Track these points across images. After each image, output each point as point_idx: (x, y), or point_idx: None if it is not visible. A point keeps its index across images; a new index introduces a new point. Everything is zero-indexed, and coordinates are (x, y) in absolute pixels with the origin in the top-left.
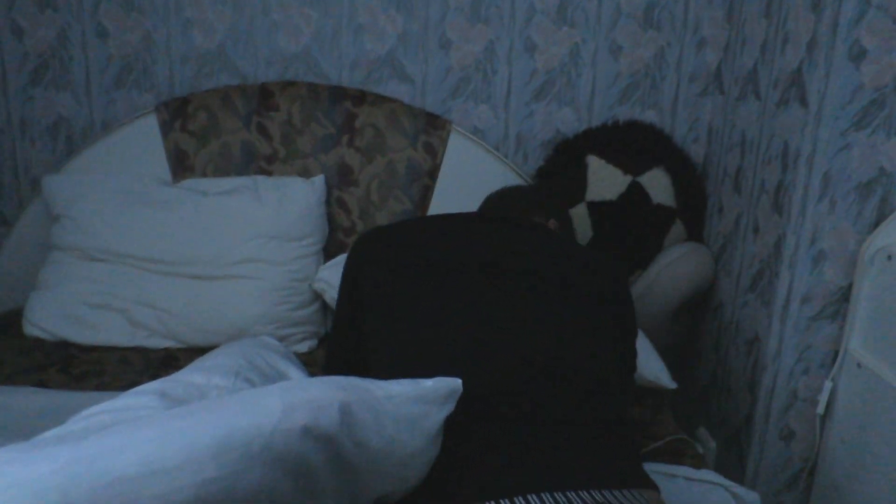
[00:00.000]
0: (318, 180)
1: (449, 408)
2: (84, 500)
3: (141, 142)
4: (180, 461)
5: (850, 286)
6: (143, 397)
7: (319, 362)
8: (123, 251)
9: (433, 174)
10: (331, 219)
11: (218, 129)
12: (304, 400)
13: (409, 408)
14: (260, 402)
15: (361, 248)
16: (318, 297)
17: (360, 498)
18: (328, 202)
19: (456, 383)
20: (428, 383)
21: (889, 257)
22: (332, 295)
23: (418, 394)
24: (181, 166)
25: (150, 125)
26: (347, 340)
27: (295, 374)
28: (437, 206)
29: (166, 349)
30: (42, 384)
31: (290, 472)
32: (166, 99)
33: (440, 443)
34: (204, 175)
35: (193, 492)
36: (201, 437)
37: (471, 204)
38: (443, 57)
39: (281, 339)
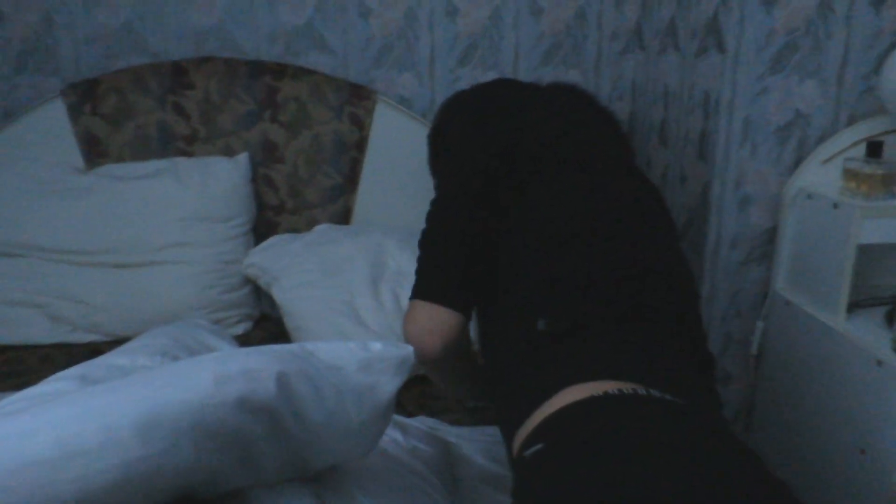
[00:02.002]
0: (242, 158)
1: (401, 379)
2: None
3: (49, 128)
4: (101, 441)
5: (774, 228)
6: (61, 383)
7: (255, 344)
8: (38, 244)
9: (361, 146)
10: (258, 197)
11: (131, 110)
12: (237, 371)
13: (355, 379)
14: (190, 375)
15: (495, 134)
16: (250, 279)
17: (306, 469)
18: (254, 180)
19: (407, 351)
20: (376, 346)
21: (809, 196)
22: (265, 280)
23: (366, 361)
24: (94, 152)
25: (57, 110)
26: (471, 234)
27: (228, 349)
28: (367, 179)
29: (91, 343)
30: None
31: (225, 447)
32: (73, 81)
33: (391, 416)
34: (120, 160)
35: (118, 473)
36: (124, 415)
37: (403, 175)
38: (363, 25)
39: (214, 323)
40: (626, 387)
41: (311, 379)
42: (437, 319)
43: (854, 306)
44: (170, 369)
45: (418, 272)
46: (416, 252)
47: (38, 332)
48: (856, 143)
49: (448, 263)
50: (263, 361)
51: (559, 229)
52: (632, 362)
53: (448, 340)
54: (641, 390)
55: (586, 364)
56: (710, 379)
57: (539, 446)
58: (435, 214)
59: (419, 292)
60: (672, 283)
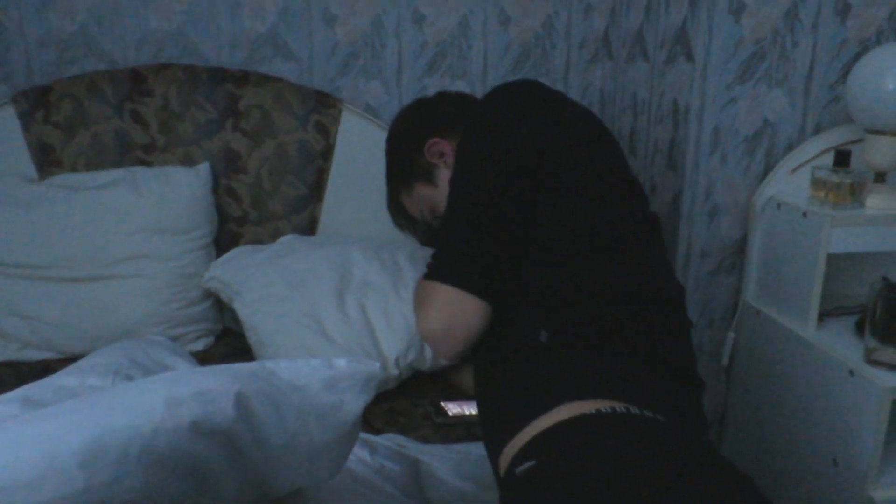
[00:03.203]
0: (203, 168)
1: (367, 397)
2: None
3: None
4: (40, 472)
5: (744, 238)
6: (2, 406)
7: (217, 360)
8: None
9: (327, 155)
10: (220, 209)
11: (86, 118)
12: (191, 393)
13: (318, 399)
14: (140, 398)
15: (541, 113)
16: (211, 292)
17: (269, 493)
18: (216, 191)
19: (373, 368)
20: (341, 363)
21: (778, 205)
22: (227, 294)
23: (330, 378)
24: (47, 161)
25: (7, 118)
26: (507, 221)
27: (185, 368)
28: (334, 189)
29: (43, 361)
30: None
31: (179, 474)
32: (24, 88)
33: (357, 435)
34: (74, 170)
35: None
36: (66, 443)
37: (370, 185)
38: (328, 32)
39: (174, 339)
40: (619, 405)
41: (271, 399)
42: (465, 315)
43: (824, 316)
44: (118, 392)
45: (444, 253)
46: (383, 263)
47: None
48: (823, 152)
49: (484, 248)
50: (220, 382)
51: (576, 241)
52: (627, 382)
53: (472, 337)
54: (634, 409)
55: (582, 381)
56: (700, 402)
57: (531, 463)
58: (468, 197)
59: (446, 273)
60: (673, 308)
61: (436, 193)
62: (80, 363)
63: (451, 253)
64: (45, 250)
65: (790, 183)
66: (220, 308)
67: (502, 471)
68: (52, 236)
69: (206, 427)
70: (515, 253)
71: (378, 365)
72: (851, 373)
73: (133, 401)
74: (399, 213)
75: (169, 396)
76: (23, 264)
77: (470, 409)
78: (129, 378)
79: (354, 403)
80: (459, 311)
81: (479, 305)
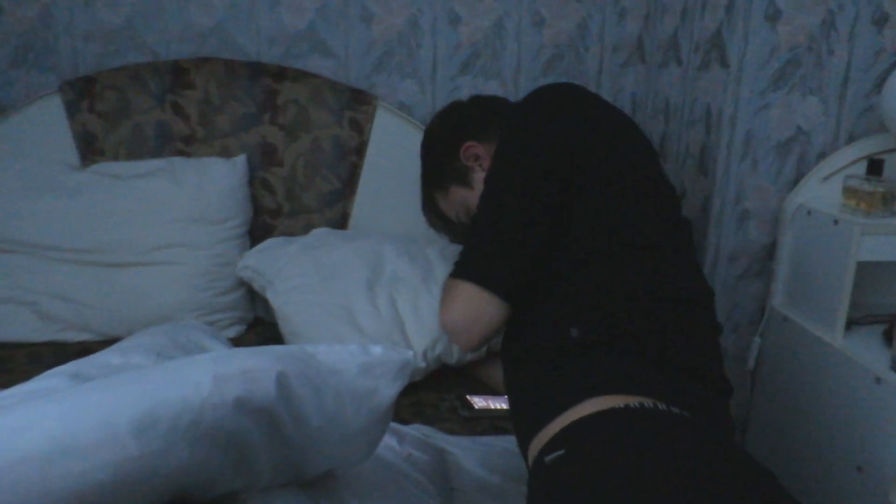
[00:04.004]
0: (240, 160)
1: (400, 384)
2: None
3: (44, 124)
4: (96, 439)
5: (773, 244)
6: (53, 379)
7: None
8: (30, 241)
9: (360, 151)
10: (255, 200)
11: (129, 109)
12: (237, 371)
13: (354, 383)
14: (188, 374)
15: (577, 113)
16: (244, 281)
17: (302, 474)
18: (251, 183)
19: (408, 356)
20: (377, 350)
21: (809, 212)
22: (260, 283)
23: (366, 364)
24: (90, 150)
25: (54, 106)
26: (538, 220)
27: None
28: (366, 184)
29: (83, 343)
30: None
31: (222, 448)
32: (71, 78)
33: (389, 420)
34: (115, 158)
35: (113, 471)
36: (121, 412)
37: (402, 181)
38: (365, 30)
39: (207, 325)
40: (648, 401)
41: (311, 380)
42: (482, 310)
43: (852, 324)
44: (168, 368)
45: (471, 252)
46: (413, 258)
47: (27, 329)
48: (856, 161)
49: (509, 250)
50: (264, 362)
51: (608, 242)
52: (655, 380)
53: (489, 334)
54: (662, 405)
55: (612, 377)
56: (726, 404)
57: (560, 452)
58: (508, 187)
59: (470, 272)
60: (702, 310)
61: (471, 196)
62: (123, 343)
63: (478, 252)
64: (86, 236)
65: (822, 191)
66: (253, 298)
67: (531, 460)
68: (93, 223)
69: (249, 404)
70: (543, 254)
71: (412, 353)
72: (878, 380)
73: (183, 376)
74: (433, 213)
75: (216, 373)
76: (65, 248)
77: (495, 404)
78: (171, 359)
79: (388, 389)
80: (479, 308)
81: (499, 305)
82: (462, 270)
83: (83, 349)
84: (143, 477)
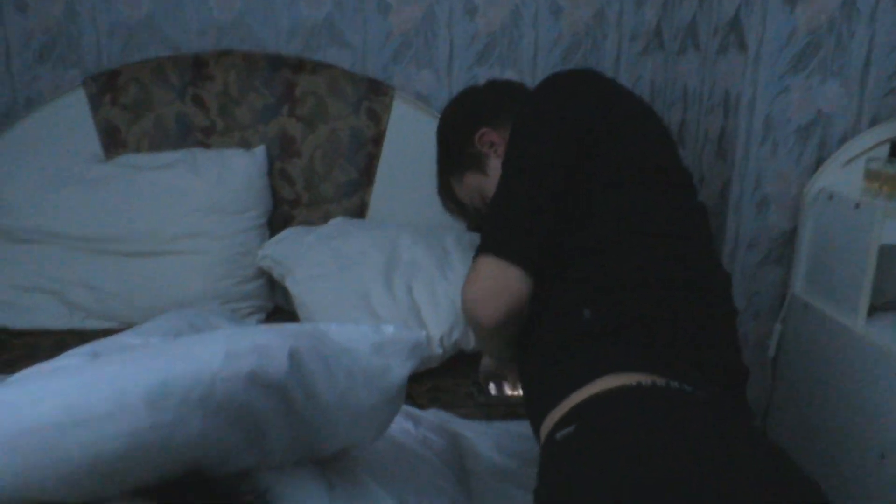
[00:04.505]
0: (259, 151)
1: (413, 364)
2: (1, 449)
3: (69, 118)
4: (110, 409)
5: (793, 230)
6: (74, 358)
7: None
8: (55, 231)
9: (378, 142)
10: (274, 191)
11: (151, 101)
12: (250, 346)
13: (366, 362)
14: (202, 349)
15: (598, 88)
16: (264, 271)
17: (315, 451)
18: (271, 174)
19: (420, 336)
20: (389, 330)
21: (830, 197)
22: (279, 272)
23: (378, 343)
24: (114, 142)
25: (78, 100)
26: (552, 195)
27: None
28: (383, 174)
29: (105, 330)
30: None
31: (234, 422)
32: (94, 73)
33: (401, 401)
34: (138, 150)
35: (125, 441)
36: (135, 384)
37: (419, 171)
38: (382, 21)
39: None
40: (660, 380)
41: (323, 357)
42: (507, 281)
43: (874, 309)
44: (182, 343)
45: (492, 226)
46: (430, 246)
47: (53, 317)
48: (879, 144)
49: (531, 221)
50: (276, 338)
51: (622, 227)
52: (668, 360)
53: (512, 307)
54: (674, 384)
55: (624, 357)
56: (743, 387)
57: (570, 428)
58: (522, 169)
59: (491, 246)
60: (718, 295)
61: (486, 182)
62: (143, 326)
63: (497, 227)
64: (109, 226)
65: (843, 174)
66: (272, 287)
67: (543, 438)
68: (116, 213)
69: (261, 379)
70: (554, 240)
71: (424, 334)
72: None
73: (196, 351)
74: (449, 197)
75: (229, 348)
76: (89, 238)
77: (510, 390)
78: None
79: (400, 369)
80: (504, 280)
81: (522, 277)
82: (482, 246)
83: (106, 337)
84: (155, 448)
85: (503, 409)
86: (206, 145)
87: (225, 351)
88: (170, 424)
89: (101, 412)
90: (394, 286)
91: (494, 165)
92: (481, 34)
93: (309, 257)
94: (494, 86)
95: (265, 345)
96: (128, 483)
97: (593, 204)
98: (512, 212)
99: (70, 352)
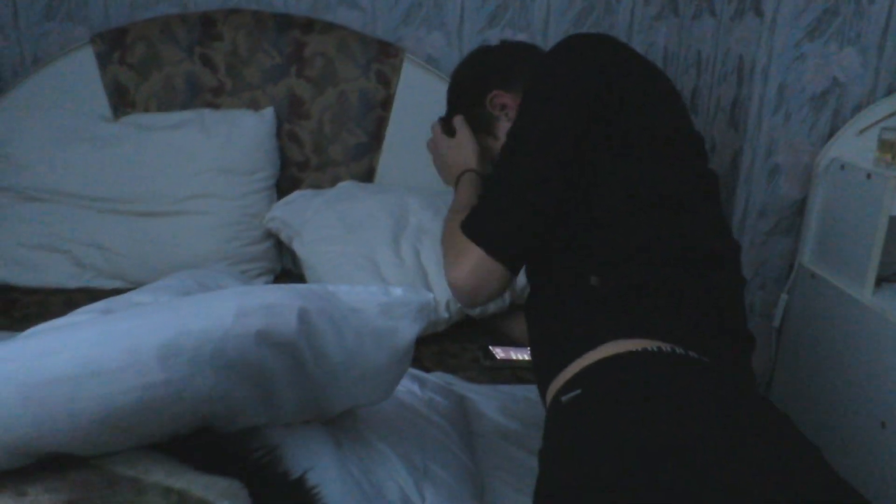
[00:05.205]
0: (268, 112)
1: (420, 325)
2: (16, 400)
3: (77, 76)
4: (123, 363)
5: (804, 200)
6: (86, 315)
7: None
8: (64, 190)
9: (387, 104)
10: (283, 153)
11: (159, 60)
12: (259, 305)
13: (374, 322)
14: (212, 306)
15: (611, 57)
16: (272, 233)
17: (323, 411)
18: (279, 136)
19: (427, 297)
20: (397, 291)
21: (842, 167)
22: (287, 234)
23: (386, 305)
24: (122, 101)
25: (85, 58)
26: (561, 169)
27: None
28: (392, 138)
29: (115, 290)
30: None
31: (245, 379)
32: (101, 30)
33: (409, 361)
34: (146, 110)
35: (138, 394)
36: (147, 339)
37: (428, 135)
38: None
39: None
40: (665, 345)
41: (331, 317)
42: (489, 277)
43: (882, 280)
44: (194, 300)
45: (485, 210)
46: (437, 210)
47: (63, 276)
48: (893, 114)
49: (527, 218)
50: (286, 297)
51: (632, 197)
52: (675, 327)
53: (491, 298)
54: (679, 349)
55: (630, 323)
56: (748, 356)
57: (576, 392)
58: (519, 152)
59: (482, 237)
60: (726, 264)
61: (496, 145)
62: (153, 284)
63: (492, 215)
64: (118, 186)
65: (857, 144)
66: (280, 249)
67: (549, 401)
68: (125, 173)
69: (271, 337)
70: (562, 208)
71: (432, 296)
72: None
73: (207, 308)
74: None
75: (239, 306)
76: (97, 198)
77: (517, 354)
78: None
79: (408, 330)
80: (486, 276)
81: (504, 274)
82: (475, 231)
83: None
84: (166, 402)
85: (508, 373)
86: (214, 105)
87: (236, 308)
88: (181, 379)
89: (114, 366)
90: (401, 250)
91: (504, 128)
92: None
93: (316, 220)
94: (508, 47)
95: (275, 303)
96: (139, 437)
97: (601, 172)
98: (508, 195)
99: (82, 308)
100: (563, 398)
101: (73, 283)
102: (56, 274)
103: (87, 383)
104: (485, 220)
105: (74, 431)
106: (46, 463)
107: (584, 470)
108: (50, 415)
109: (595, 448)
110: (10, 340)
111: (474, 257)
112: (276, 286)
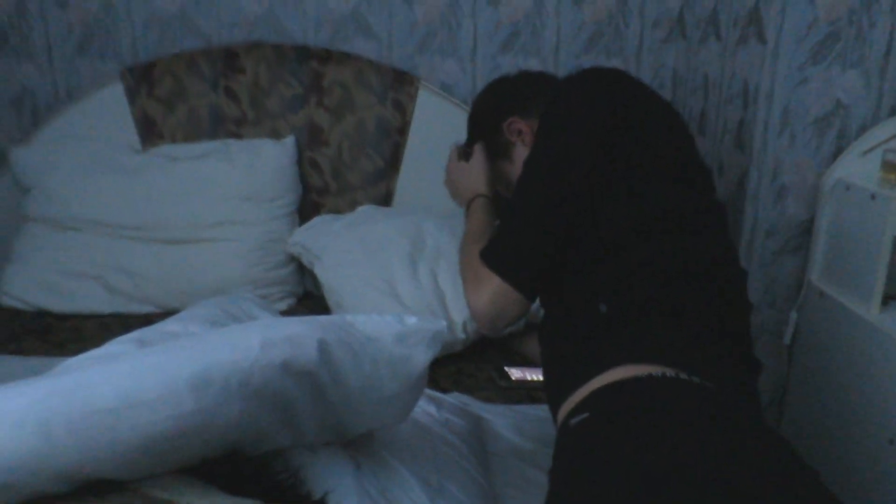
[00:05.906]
0: (289, 141)
1: (433, 352)
2: (63, 430)
3: (108, 110)
4: (158, 394)
5: (811, 219)
6: (121, 346)
7: None
8: (96, 219)
9: (403, 131)
10: (303, 179)
11: (185, 93)
12: (282, 337)
13: (390, 350)
14: (239, 339)
15: (618, 91)
16: (294, 257)
17: (343, 433)
18: (300, 163)
19: (440, 326)
20: (412, 320)
21: (847, 187)
22: (308, 258)
23: (401, 333)
24: (150, 133)
25: (116, 92)
26: (569, 201)
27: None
28: (409, 164)
29: (145, 315)
30: (20, 353)
31: (270, 406)
32: (130, 65)
33: (423, 386)
34: (173, 141)
35: (172, 423)
36: (179, 372)
37: (444, 160)
38: (407, 12)
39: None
40: (670, 371)
41: (350, 347)
42: (509, 304)
43: (889, 299)
44: (221, 334)
45: (505, 240)
46: (454, 233)
47: (95, 302)
48: None
49: (541, 244)
50: (307, 329)
51: (642, 226)
52: (681, 352)
53: (510, 324)
54: (684, 375)
55: (637, 348)
56: (754, 381)
57: (584, 415)
58: (532, 180)
59: (501, 267)
60: (733, 290)
61: (512, 170)
62: (182, 314)
63: (511, 246)
64: (147, 214)
65: (861, 165)
66: (302, 273)
67: (559, 423)
68: (153, 202)
69: (294, 367)
70: (571, 235)
71: (445, 324)
72: None
73: (234, 341)
74: None
75: (264, 339)
76: (128, 226)
77: (532, 375)
78: (224, 327)
79: (422, 357)
80: (506, 305)
81: (523, 302)
82: (495, 261)
83: (146, 320)
84: (198, 430)
85: (523, 394)
86: (237, 136)
87: (261, 341)
88: (212, 408)
89: (150, 397)
90: (419, 272)
91: (521, 154)
92: (504, 23)
93: (337, 244)
94: (526, 76)
95: (297, 335)
96: (173, 462)
97: (609, 204)
98: (525, 223)
99: (117, 339)
100: (572, 421)
101: (104, 309)
102: (88, 299)
103: (125, 414)
104: (502, 249)
105: (115, 458)
106: (89, 487)
107: (591, 491)
108: (94, 445)
109: (601, 470)
110: (53, 374)
111: (493, 286)
112: (297, 318)
